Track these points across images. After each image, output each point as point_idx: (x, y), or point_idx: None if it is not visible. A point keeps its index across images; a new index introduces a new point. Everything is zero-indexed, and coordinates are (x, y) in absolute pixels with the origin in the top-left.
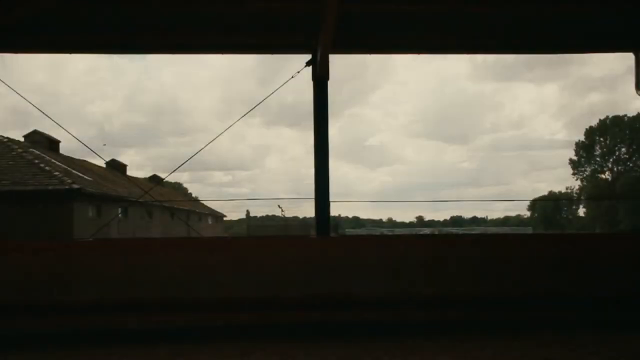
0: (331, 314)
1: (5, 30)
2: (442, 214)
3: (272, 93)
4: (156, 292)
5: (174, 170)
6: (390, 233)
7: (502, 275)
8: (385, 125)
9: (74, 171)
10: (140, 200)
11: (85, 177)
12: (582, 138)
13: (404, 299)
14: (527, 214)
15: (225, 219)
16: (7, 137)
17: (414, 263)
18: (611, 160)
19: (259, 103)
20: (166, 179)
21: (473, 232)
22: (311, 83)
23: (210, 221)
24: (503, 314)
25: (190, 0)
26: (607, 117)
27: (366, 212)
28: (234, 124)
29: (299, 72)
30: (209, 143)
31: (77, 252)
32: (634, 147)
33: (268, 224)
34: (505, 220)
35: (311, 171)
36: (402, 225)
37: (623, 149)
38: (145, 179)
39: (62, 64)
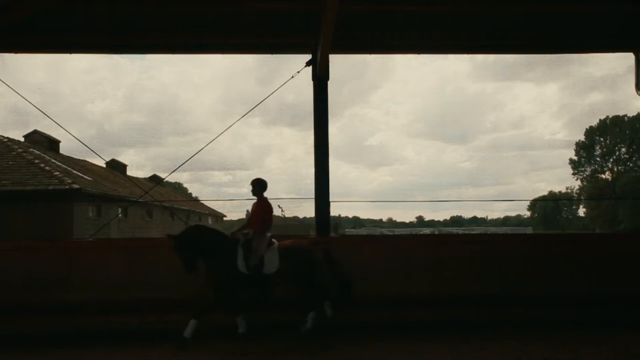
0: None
1: (5, 30)
2: (442, 214)
3: (272, 93)
4: (156, 292)
5: (174, 170)
6: (390, 233)
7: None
8: (385, 125)
9: (74, 171)
10: (140, 200)
11: (85, 177)
12: (582, 138)
13: (405, 298)
14: (527, 214)
15: (225, 219)
16: (7, 137)
17: (415, 263)
18: (611, 160)
19: (259, 103)
20: (166, 179)
21: (473, 232)
22: (311, 83)
23: (210, 221)
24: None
25: (190, 0)
26: (607, 117)
27: (366, 212)
28: (234, 124)
29: (299, 72)
30: (209, 143)
31: (77, 252)
32: (634, 147)
33: None
34: (505, 220)
35: (311, 171)
36: (402, 225)
37: (623, 149)
38: (145, 179)
39: (62, 64)
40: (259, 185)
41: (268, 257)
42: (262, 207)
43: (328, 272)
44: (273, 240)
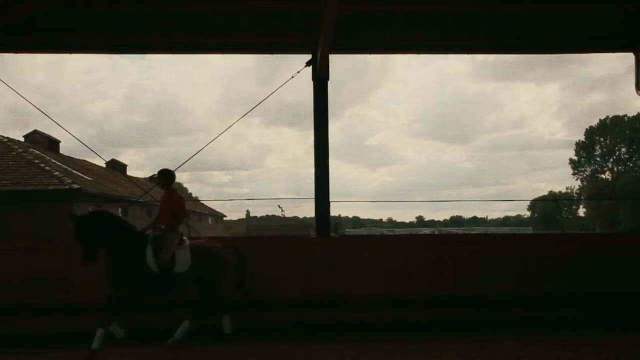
0: (331, 314)
1: (5, 30)
2: (442, 214)
3: (272, 93)
4: None
5: (174, 170)
6: (390, 233)
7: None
8: (385, 125)
9: (74, 171)
10: (140, 200)
11: (85, 177)
12: (582, 138)
13: (405, 298)
14: (527, 214)
15: (225, 219)
16: (7, 137)
17: (415, 263)
18: (611, 160)
19: (259, 103)
20: None
21: (473, 232)
22: (311, 83)
23: (210, 221)
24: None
25: (190, 0)
26: (607, 117)
27: (366, 212)
28: (234, 124)
29: (299, 72)
30: (209, 143)
31: (77, 252)
32: (634, 147)
33: (268, 224)
34: (505, 220)
35: (311, 171)
36: (402, 225)
37: (623, 149)
38: (145, 179)
39: (62, 64)
40: (165, 177)
41: (179, 254)
42: (171, 200)
43: (236, 275)
44: (184, 237)
